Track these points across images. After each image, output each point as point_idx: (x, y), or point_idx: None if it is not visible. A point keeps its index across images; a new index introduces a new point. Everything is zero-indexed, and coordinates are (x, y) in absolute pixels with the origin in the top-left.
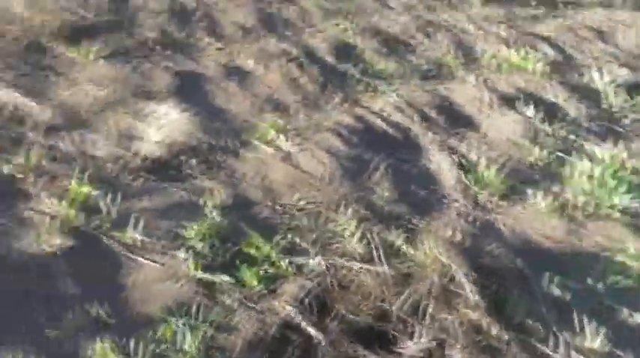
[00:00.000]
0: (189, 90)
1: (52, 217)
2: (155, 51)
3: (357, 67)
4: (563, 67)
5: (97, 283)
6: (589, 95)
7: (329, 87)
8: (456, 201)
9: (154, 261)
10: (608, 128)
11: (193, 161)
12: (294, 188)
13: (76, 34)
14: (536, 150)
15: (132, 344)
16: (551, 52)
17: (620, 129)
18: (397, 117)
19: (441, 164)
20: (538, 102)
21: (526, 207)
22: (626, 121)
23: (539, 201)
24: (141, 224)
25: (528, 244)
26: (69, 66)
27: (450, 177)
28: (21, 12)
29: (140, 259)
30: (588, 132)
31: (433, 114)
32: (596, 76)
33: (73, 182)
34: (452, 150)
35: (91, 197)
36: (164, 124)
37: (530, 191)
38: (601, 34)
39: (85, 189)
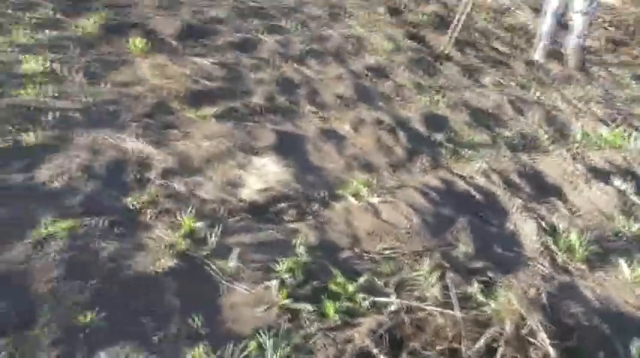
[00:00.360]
0: (288, 147)
1: (165, 244)
2: (261, 114)
3: (446, 136)
4: None
5: (197, 301)
6: None
7: (417, 152)
8: (537, 262)
9: (247, 288)
10: None
11: (287, 207)
12: (378, 237)
13: (195, 98)
14: (626, 220)
15: (224, 354)
16: None
17: None
18: (482, 181)
19: (524, 227)
20: (635, 178)
21: (610, 274)
22: None
23: (624, 269)
24: (237, 255)
25: (610, 309)
26: (187, 124)
27: (532, 239)
28: (151, 79)
29: (235, 285)
30: None
31: (519, 181)
32: None
33: (184, 216)
34: (536, 216)
35: (197, 229)
36: (264, 174)
37: (615, 259)
38: None
39: (193, 222)
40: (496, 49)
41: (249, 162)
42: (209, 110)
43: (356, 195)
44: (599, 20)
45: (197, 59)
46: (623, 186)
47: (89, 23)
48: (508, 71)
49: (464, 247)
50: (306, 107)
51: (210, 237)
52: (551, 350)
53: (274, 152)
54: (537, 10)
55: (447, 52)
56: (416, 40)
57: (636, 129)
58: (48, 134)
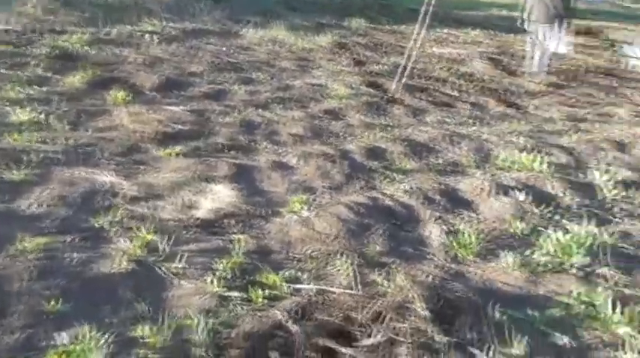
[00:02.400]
0: (242, 177)
1: (123, 252)
2: (223, 151)
3: (382, 164)
4: (570, 169)
5: (147, 293)
6: (586, 189)
7: (354, 178)
8: (437, 257)
9: (189, 283)
10: (594, 213)
11: (233, 222)
12: (307, 242)
13: (165, 139)
14: (519, 224)
15: (163, 327)
16: (562, 157)
17: (607, 216)
18: (405, 198)
19: (432, 231)
20: (535, 192)
21: (497, 264)
22: (616, 210)
23: (509, 260)
24: (184, 259)
25: (489, 288)
26: (155, 160)
27: (438, 240)
28: (127, 124)
29: (180, 281)
30: (573, 215)
31: (437, 197)
32: (597, 174)
33: (143, 230)
34: (445, 223)
35: (153, 241)
36: (217, 198)
37: (503, 252)
38: (619, 146)
39: (149, 236)
40: (445, 93)
41: (205, 189)
42: (176, 149)
43: (294, 212)
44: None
45: (171, 107)
46: (521, 198)
47: (75, 79)
48: (452, 111)
49: (377, 247)
50: (263, 144)
51: (163, 246)
52: (426, 312)
53: (229, 180)
54: (492, 59)
55: (396, 96)
56: (373, 87)
57: (549, 155)
58: (30, 172)
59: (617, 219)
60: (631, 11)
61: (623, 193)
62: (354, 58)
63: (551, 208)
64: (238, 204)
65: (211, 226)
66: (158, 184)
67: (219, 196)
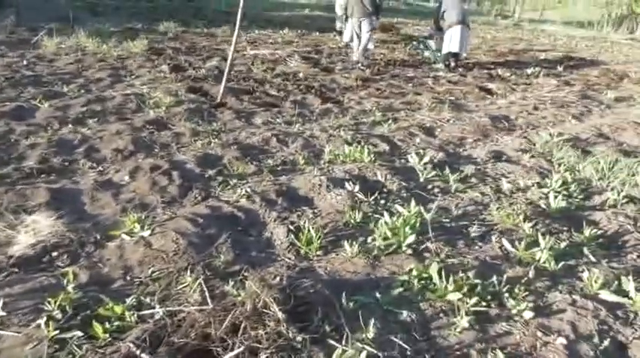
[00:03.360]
0: (63, 202)
1: None
2: (35, 176)
3: (218, 171)
4: (391, 156)
5: None
6: (407, 173)
7: (190, 188)
8: (285, 257)
9: (16, 332)
10: (416, 194)
11: (59, 254)
12: (147, 263)
13: None
14: (355, 213)
15: None
16: (383, 146)
17: (426, 195)
18: (245, 203)
19: (276, 232)
20: (365, 181)
21: (339, 254)
22: (433, 189)
23: (349, 249)
24: (4, 306)
25: (337, 279)
26: None
27: (282, 241)
28: None
29: (3, 332)
30: (400, 198)
31: (276, 198)
32: (414, 158)
33: None
34: (288, 223)
35: None
36: (36, 230)
37: (344, 243)
38: (427, 130)
39: None
40: (269, 94)
41: (20, 222)
42: None
43: (129, 233)
44: (357, 64)
45: None
46: (353, 188)
47: None
48: (278, 111)
49: (224, 256)
50: (81, 164)
51: None
52: (280, 314)
53: (48, 208)
54: (307, 58)
55: (222, 100)
56: (196, 93)
57: (371, 145)
58: None
59: (434, 197)
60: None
61: (436, 172)
62: (173, 64)
63: (380, 194)
64: (62, 233)
65: (34, 263)
66: None
67: (38, 227)
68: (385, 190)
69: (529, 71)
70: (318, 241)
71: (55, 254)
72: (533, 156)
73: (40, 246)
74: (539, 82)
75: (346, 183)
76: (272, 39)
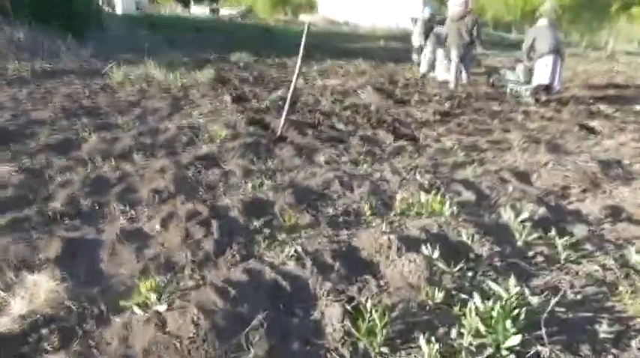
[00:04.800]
0: (75, 258)
1: None
2: (57, 221)
3: (266, 221)
4: (478, 208)
5: None
6: (501, 233)
7: (229, 243)
8: (338, 353)
9: None
10: (514, 265)
11: (50, 332)
12: (155, 354)
13: None
14: (433, 291)
15: None
16: (468, 194)
17: (527, 266)
18: (292, 267)
19: (329, 313)
20: (446, 243)
21: (411, 353)
22: (537, 257)
23: (426, 347)
24: None
25: None
26: None
27: (336, 327)
28: None
29: None
30: (493, 270)
31: (332, 261)
32: (508, 213)
33: None
34: (344, 299)
35: None
36: (33, 294)
37: (418, 336)
38: (520, 175)
39: None
40: (335, 128)
41: (18, 281)
42: None
43: (142, 305)
44: (435, 96)
45: None
46: (432, 253)
47: None
48: (343, 148)
49: (255, 350)
50: (114, 207)
51: None
52: None
53: (56, 264)
54: (379, 90)
55: (282, 133)
56: (256, 125)
57: (452, 193)
58: None
59: (538, 271)
60: (495, 39)
61: (538, 234)
62: (236, 94)
63: (466, 263)
64: (62, 302)
65: (15, 344)
66: None
67: (37, 291)
68: (472, 256)
69: (638, 107)
70: (384, 331)
71: (45, 331)
72: None
73: (30, 320)
74: None
75: (422, 246)
76: (344, 69)
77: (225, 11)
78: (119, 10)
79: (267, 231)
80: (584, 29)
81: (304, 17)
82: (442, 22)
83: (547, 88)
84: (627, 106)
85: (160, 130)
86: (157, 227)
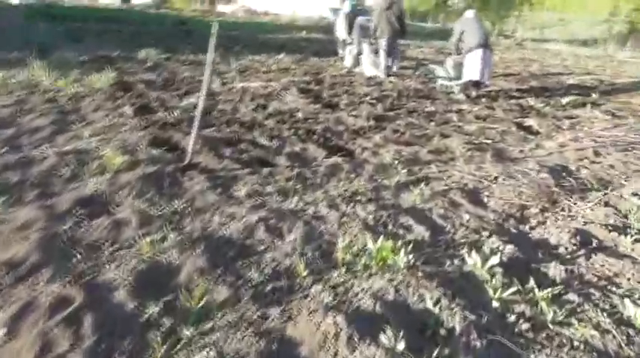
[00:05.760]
0: None
1: None
2: None
3: (167, 305)
4: (434, 249)
5: None
6: (468, 288)
7: (107, 351)
8: None
9: None
10: (496, 342)
11: None
12: None
13: None
14: None
15: None
16: (420, 229)
17: (510, 343)
18: None
19: None
20: (407, 315)
21: None
22: (520, 324)
23: None
24: None
25: None
26: None
27: None
28: None
29: None
30: (470, 353)
31: None
32: (473, 259)
33: None
34: None
35: None
36: None
37: None
38: (471, 195)
39: None
40: (258, 144)
41: None
42: None
43: None
44: (366, 96)
45: None
46: (394, 343)
47: None
48: (268, 172)
49: None
50: None
51: None
52: None
53: None
54: (306, 91)
55: (191, 161)
56: (162, 146)
57: (404, 229)
58: None
59: (527, 349)
60: (413, 28)
61: (515, 289)
62: (140, 103)
63: (438, 347)
64: None
65: None
66: None
67: None
68: (443, 332)
69: (564, 101)
70: None
71: None
72: (637, 241)
73: None
74: (586, 116)
75: (380, 331)
76: (266, 66)
77: (138, 0)
78: (15, 0)
79: (166, 322)
80: (494, 17)
81: (223, 8)
82: (363, 13)
83: (477, 84)
84: (554, 99)
85: (35, 160)
86: (1, 333)
